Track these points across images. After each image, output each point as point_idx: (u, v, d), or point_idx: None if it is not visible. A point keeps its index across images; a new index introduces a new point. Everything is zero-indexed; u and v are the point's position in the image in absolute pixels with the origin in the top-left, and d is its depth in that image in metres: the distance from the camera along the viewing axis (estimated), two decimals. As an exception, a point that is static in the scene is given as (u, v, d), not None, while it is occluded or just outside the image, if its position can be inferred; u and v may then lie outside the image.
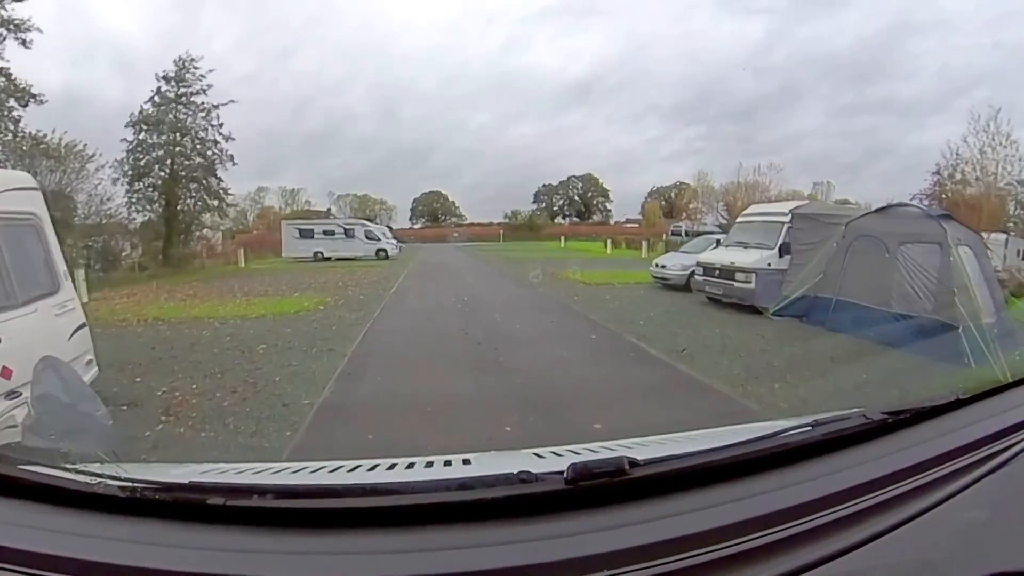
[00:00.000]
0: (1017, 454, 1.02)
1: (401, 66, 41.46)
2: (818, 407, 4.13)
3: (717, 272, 10.79)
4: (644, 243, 26.66)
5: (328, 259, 25.39)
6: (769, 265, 10.06)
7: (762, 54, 37.25)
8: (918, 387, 5.28)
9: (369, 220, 33.92)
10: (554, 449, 1.30)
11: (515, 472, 0.92)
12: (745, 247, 10.76)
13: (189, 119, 22.72)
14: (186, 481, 1.02)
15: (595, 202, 46.19)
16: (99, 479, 0.93)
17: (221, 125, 23.00)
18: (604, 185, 43.89)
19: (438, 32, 41.48)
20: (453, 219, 43.69)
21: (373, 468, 1.22)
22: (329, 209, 37.52)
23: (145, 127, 22.03)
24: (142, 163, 21.90)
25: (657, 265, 13.96)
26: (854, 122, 32.12)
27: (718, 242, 12.86)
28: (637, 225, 41.61)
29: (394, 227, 37.58)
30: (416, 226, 42.63)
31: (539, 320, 9.89)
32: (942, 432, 1.15)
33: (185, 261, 22.83)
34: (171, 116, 22.30)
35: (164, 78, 22.49)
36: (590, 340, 8.28)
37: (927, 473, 0.99)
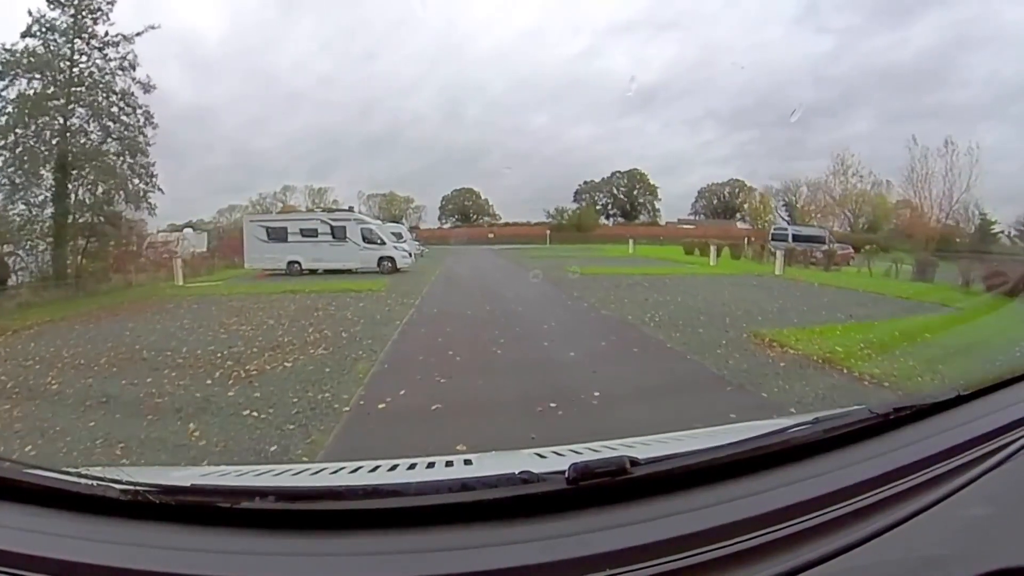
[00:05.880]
0: (1019, 450, 1.00)
1: (474, 69, 38.73)
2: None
3: None
4: (778, 254, 17.64)
5: (314, 271, 17.21)
6: None
7: (827, 65, 35.24)
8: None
9: (395, 221, 27.38)
10: (555, 449, 1.25)
11: (516, 472, 0.91)
12: None
13: (90, 62, 14.80)
14: (188, 484, 0.99)
15: (641, 200, 40.64)
16: (101, 483, 0.92)
17: (135, 67, 14.96)
18: (652, 183, 38.49)
19: (518, 36, 40.54)
20: (487, 218, 38.27)
21: (374, 469, 1.19)
22: (351, 208, 31.42)
23: (18, 72, 14.14)
24: (12, 129, 14.04)
25: None
26: (904, 127, 31.78)
27: None
28: (693, 226, 35.88)
29: (423, 228, 32.35)
30: (445, 226, 37.56)
31: None
32: (944, 428, 1.14)
33: (93, 278, 15.12)
34: (58, 60, 14.39)
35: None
36: None
37: (929, 469, 0.98)
